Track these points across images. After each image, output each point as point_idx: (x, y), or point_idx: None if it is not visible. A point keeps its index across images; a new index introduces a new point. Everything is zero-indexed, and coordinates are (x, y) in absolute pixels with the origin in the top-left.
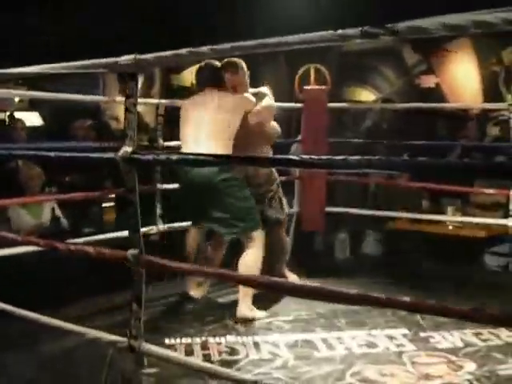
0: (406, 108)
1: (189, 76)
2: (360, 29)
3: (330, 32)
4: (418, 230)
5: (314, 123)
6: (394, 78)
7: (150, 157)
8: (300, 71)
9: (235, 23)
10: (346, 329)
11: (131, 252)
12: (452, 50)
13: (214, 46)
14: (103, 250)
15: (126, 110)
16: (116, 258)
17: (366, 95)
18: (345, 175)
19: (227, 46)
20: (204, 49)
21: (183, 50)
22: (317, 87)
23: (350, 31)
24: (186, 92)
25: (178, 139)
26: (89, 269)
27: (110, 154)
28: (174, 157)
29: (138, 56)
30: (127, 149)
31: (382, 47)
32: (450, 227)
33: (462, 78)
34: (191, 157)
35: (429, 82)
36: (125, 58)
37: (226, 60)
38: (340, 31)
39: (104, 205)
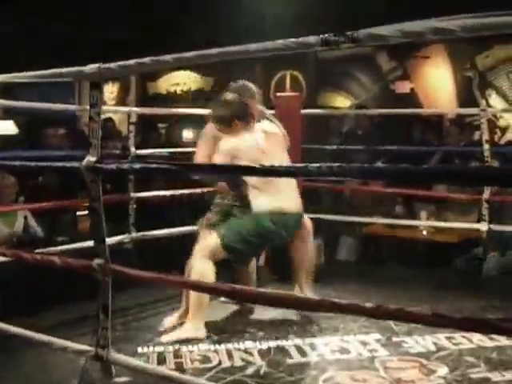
0: (381, 113)
1: (164, 83)
2: (320, 37)
3: (291, 40)
4: (393, 235)
5: (287, 130)
6: (370, 84)
7: (114, 166)
8: (276, 77)
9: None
10: (319, 335)
11: (97, 261)
12: (426, 56)
13: (177, 55)
14: (69, 260)
15: (90, 118)
16: (82, 268)
17: (342, 101)
18: (319, 181)
19: (190, 54)
20: (167, 57)
21: (146, 59)
22: (290, 94)
23: (310, 39)
24: (161, 99)
25: (151, 147)
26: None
27: (75, 163)
28: (137, 166)
29: (102, 65)
30: (91, 158)
31: (358, 53)
32: (424, 232)
33: (437, 83)
34: (153, 166)
35: (404, 87)
36: (89, 67)
37: (239, 86)
38: (301, 39)
39: (80, 213)
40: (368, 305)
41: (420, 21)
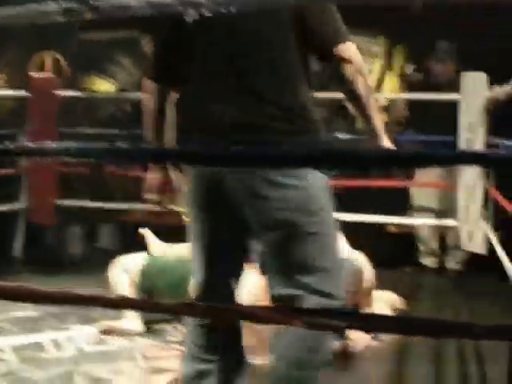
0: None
1: None
2: (61, 5)
3: (32, 6)
4: (150, 221)
5: (41, 112)
6: (133, 69)
7: None
8: (34, 58)
9: None
10: (76, 327)
11: None
12: None
13: None
14: None
15: None
16: None
17: (104, 85)
18: (76, 166)
19: None
20: None
21: None
22: (45, 75)
23: (50, 7)
24: None
25: None
26: None
27: None
28: None
29: None
30: None
31: (122, 37)
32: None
33: None
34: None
35: None
36: None
37: None
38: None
39: None
40: (114, 296)
41: None
